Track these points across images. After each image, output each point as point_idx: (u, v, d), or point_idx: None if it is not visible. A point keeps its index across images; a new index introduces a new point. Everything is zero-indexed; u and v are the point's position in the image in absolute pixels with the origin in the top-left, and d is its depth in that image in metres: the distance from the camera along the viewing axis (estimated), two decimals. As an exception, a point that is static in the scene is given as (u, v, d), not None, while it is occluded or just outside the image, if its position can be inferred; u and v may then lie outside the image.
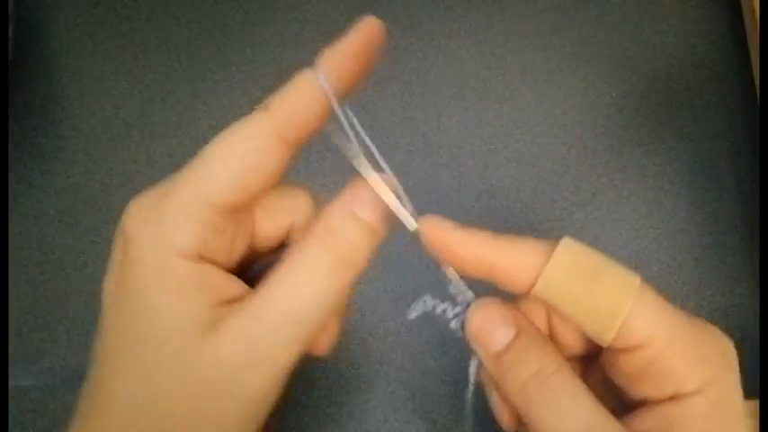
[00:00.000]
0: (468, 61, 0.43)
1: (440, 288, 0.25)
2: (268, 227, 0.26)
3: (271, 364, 0.22)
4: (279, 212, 0.26)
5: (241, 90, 0.42)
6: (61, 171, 0.41)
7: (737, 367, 0.23)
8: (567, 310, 0.23)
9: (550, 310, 0.25)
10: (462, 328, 0.25)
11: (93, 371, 0.23)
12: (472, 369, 0.25)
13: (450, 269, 0.25)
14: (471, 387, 0.25)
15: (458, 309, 0.25)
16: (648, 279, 0.39)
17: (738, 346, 0.37)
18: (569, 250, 0.23)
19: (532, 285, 0.23)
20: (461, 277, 0.25)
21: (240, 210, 0.24)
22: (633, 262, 0.38)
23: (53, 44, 0.43)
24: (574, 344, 0.25)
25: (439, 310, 0.25)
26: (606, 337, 0.22)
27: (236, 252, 0.25)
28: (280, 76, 0.45)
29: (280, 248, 0.26)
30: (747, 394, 0.32)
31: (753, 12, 0.40)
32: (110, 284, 0.23)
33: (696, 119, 0.41)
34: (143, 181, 0.41)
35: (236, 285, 0.24)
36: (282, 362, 0.22)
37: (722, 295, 0.38)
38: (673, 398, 0.22)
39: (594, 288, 0.22)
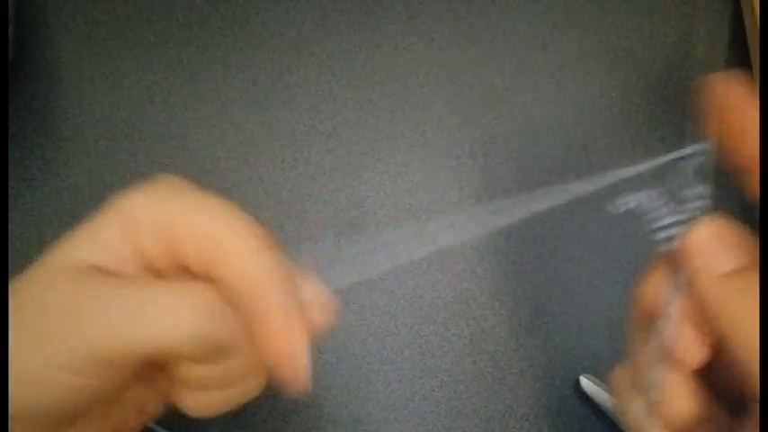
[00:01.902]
0: (468, 61, 0.43)
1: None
2: None
3: None
4: None
5: (241, 90, 0.42)
6: (61, 171, 0.41)
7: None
8: None
9: None
10: (673, 240, 0.22)
11: None
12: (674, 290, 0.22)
13: (696, 166, 0.22)
14: (673, 310, 0.22)
15: (681, 216, 0.22)
16: (648, 279, 0.39)
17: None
18: None
19: None
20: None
21: None
22: (633, 262, 0.39)
23: (53, 44, 0.43)
24: None
25: (658, 212, 0.22)
26: None
27: None
28: (280, 76, 0.46)
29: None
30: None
31: (753, 11, 0.40)
32: None
33: (696, 119, 0.41)
34: (143, 181, 0.41)
35: None
36: None
37: (722, 295, 0.38)
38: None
39: None
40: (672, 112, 0.42)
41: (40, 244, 0.39)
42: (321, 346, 0.37)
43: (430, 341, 0.37)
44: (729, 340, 0.21)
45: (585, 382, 0.35)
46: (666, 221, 0.22)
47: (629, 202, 0.23)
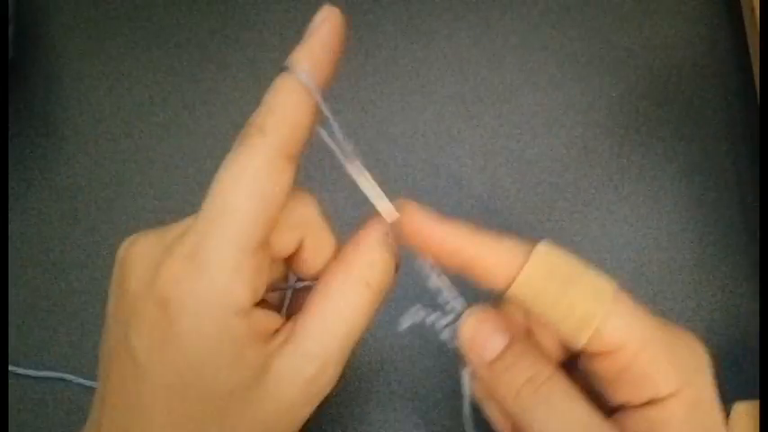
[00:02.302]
0: (468, 61, 0.43)
1: (429, 297, 0.25)
2: (278, 242, 0.25)
3: (320, 395, 0.23)
4: (288, 228, 0.25)
5: (241, 90, 0.42)
6: (61, 171, 0.41)
7: (710, 371, 0.23)
8: (541, 313, 0.23)
9: (528, 314, 0.25)
10: (454, 337, 0.25)
11: (117, 422, 0.23)
12: (465, 380, 0.25)
13: (435, 278, 0.25)
14: (466, 399, 0.25)
15: (448, 318, 0.25)
16: (648, 279, 0.39)
17: (738, 346, 0.38)
18: (547, 253, 0.23)
19: (509, 285, 0.23)
20: (450, 285, 0.25)
21: (267, 241, 0.24)
22: (633, 262, 0.39)
23: (53, 44, 0.43)
24: (553, 349, 0.25)
25: (429, 320, 0.25)
26: (579, 341, 0.22)
27: (266, 280, 0.24)
28: (280, 76, 0.45)
29: (290, 261, 0.26)
30: (747, 395, 0.32)
31: (753, 12, 0.40)
32: (146, 341, 0.22)
33: (696, 119, 0.41)
34: (143, 181, 0.41)
35: (270, 315, 0.24)
36: (328, 389, 0.24)
37: (722, 295, 0.38)
38: (650, 402, 0.22)
39: (569, 292, 0.22)
40: (672, 112, 0.42)
41: (40, 244, 0.40)
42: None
43: (430, 341, 0.37)
44: (511, 414, 0.24)
45: None
46: (444, 323, 0.25)
47: (408, 319, 0.25)
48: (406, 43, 0.43)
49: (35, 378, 0.37)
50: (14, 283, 0.39)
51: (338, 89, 0.42)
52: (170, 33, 0.44)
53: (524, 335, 0.25)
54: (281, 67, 0.24)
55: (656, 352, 0.22)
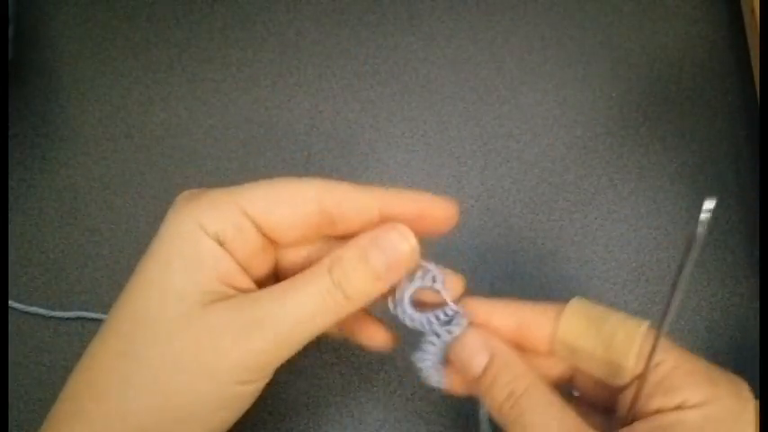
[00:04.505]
0: (468, 61, 0.43)
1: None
2: (295, 256, 0.28)
3: (252, 349, 0.24)
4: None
5: (241, 90, 0.42)
6: (61, 171, 0.41)
7: (751, 407, 0.24)
8: (582, 359, 0.25)
9: (572, 361, 0.26)
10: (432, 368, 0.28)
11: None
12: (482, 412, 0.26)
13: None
14: (483, 423, 0.27)
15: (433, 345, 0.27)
16: (649, 279, 0.39)
17: (738, 346, 0.38)
18: (578, 306, 0.25)
19: (551, 343, 0.25)
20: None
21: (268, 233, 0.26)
22: (633, 262, 0.39)
23: (53, 44, 0.43)
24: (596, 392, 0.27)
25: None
26: (620, 380, 0.24)
27: (260, 265, 0.27)
28: (280, 76, 0.46)
29: None
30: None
31: (753, 12, 0.40)
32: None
33: (696, 119, 0.41)
34: (143, 181, 0.41)
35: (248, 282, 0.26)
36: (262, 352, 0.24)
37: (722, 295, 0.38)
38: (675, 408, 0.23)
39: (605, 335, 0.24)
40: (672, 112, 0.42)
41: (40, 244, 0.40)
42: (321, 346, 0.37)
43: (430, 341, 0.37)
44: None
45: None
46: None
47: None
48: (406, 43, 0.43)
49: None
50: (14, 283, 0.39)
51: (338, 89, 0.42)
52: (170, 33, 0.44)
53: (509, 351, 0.26)
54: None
55: (690, 369, 0.24)
